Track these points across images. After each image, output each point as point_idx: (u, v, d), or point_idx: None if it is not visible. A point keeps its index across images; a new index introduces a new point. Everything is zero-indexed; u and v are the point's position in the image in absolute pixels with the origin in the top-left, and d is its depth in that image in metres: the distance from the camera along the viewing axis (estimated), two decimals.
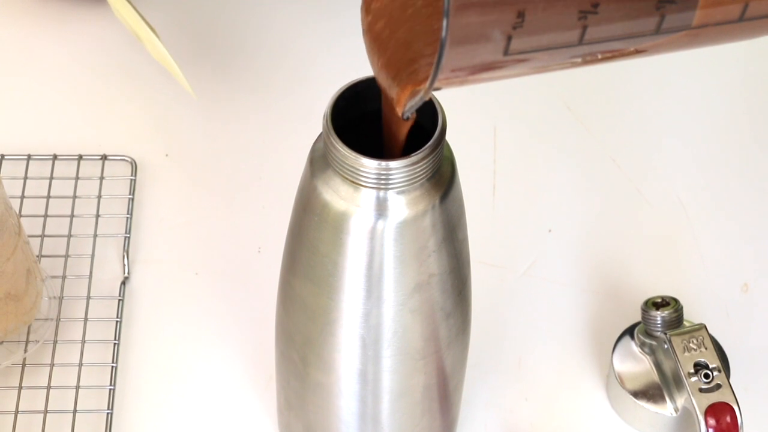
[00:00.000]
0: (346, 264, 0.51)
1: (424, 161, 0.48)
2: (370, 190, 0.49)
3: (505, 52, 0.42)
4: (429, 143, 0.48)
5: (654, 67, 0.84)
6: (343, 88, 0.50)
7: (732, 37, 0.44)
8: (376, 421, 0.58)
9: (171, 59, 0.70)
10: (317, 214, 0.51)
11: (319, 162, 0.50)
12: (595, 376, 0.69)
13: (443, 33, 0.41)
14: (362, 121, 0.50)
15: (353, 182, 0.49)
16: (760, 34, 0.45)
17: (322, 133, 0.50)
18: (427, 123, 0.49)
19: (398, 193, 0.49)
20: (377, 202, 0.49)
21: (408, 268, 0.51)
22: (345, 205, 0.49)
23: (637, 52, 0.44)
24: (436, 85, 0.43)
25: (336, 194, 0.50)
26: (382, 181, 0.48)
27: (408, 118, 0.48)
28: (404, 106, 0.47)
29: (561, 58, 0.43)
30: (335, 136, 0.48)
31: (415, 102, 0.46)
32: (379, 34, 0.48)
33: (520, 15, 0.41)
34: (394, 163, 0.48)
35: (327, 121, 0.49)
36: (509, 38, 0.42)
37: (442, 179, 0.50)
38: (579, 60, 0.44)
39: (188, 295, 0.72)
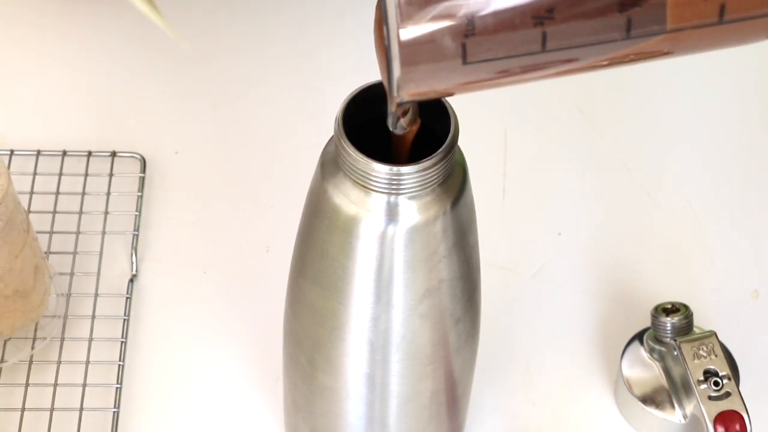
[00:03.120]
0: (356, 268, 0.51)
1: (436, 167, 0.48)
2: (381, 194, 0.49)
3: (465, 61, 0.42)
4: (441, 149, 0.48)
5: (666, 72, 0.84)
6: (355, 92, 0.50)
7: (720, 41, 0.43)
8: (384, 425, 0.58)
9: (155, 8, 0.68)
10: (327, 217, 0.50)
11: (329, 165, 0.50)
12: (604, 381, 0.69)
13: (386, 41, 0.41)
14: (374, 125, 0.50)
15: (364, 186, 0.49)
16: (751, 38, 0.43)
17: (333, 136, 0.50)
18: (439, 128, 0.49)
19: (409, 198, 0.49)
20: (388, 207, 0.49)
21: (418, 274, 0.51)
22: (355, 210, 0.49)
23: (627, 60, 0.43)
24: (404, 94, 0.43)
25: (346, 198, 0.49)
26: (394, 186, 0.48)
27: (396, 129, 0.47)
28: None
29: (532, 66, 0.43)
30: (347, 141, 0.48)
31: (391, 113, 0.46)
32: (380, 44, 0.48)
33: (470, 22, 0.41)
34: (405, 169, 0.48)
35: (339, 125, 0.49)
36: (464, 46, 0.41)
37: (454, 185, 0.50)
38: (557, 69, 0.43)
39: (196, 294, 0.72)
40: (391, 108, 0.46)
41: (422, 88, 0.43)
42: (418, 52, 0.42)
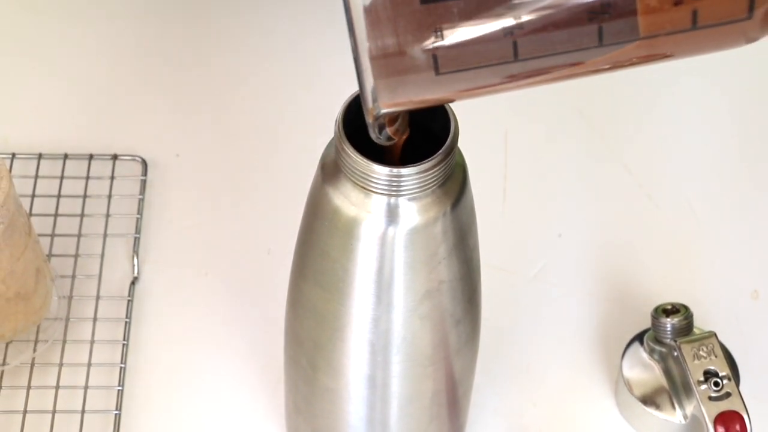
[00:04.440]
0: (356, 270, 0.51)
1: (436, 168, 0.48)
2: (381, 196, 0.49)
3: (437, 72, 0.42)
4: (441, 150, 0.48)
5: (666, 73, 0.84)
6: (355, 94, 0.50)
7: (699, 46, 0.43)
8: (385, 426, 0.58)
9: None
10: (328, 219, 0.50)
11: (330, 167, 0.50)
12: (604, 382, 0.69)
13: (354, 53, 0.41)
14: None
15: (364, 188, 0.49)
16: (729, 43, 0.43)
17: (333, 138, 0.50)
18: (439, 130, 0.49)
19: (409, 199, 0.49)
20: (388, 209, 0.49)
21: (418, 275, 0.51)
22: (356, 211, 0.49)
23: (612, 67, 0.43)
24: (381, 105, 0.43)
25: (347, 200, 0.49)
26: (394, 188, 0.48)
27: (380, 140, 0.47)
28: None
29: (508, 76, 0.42)
30: (347, 143, 0.48)
31: (369, 124, 0.46)
32: None
33: (439, 32, 0.41)
34: (405, 170, 0.48)
35: (339, 127, 0.49)
36: (434, 57, 0.41)
37: (454, 186, 0.50)
38: (534, 78, 0.43)
39: (197, 296, 0.72)
40: (368, 119, 0.45)
41: (398, 99, 0.43)
42: (388, 64, 0.41)
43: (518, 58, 0.41)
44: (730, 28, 0.42)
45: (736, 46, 0.43)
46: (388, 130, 0.47)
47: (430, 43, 0.41)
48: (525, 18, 0.40)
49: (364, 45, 0.41)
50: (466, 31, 0.41)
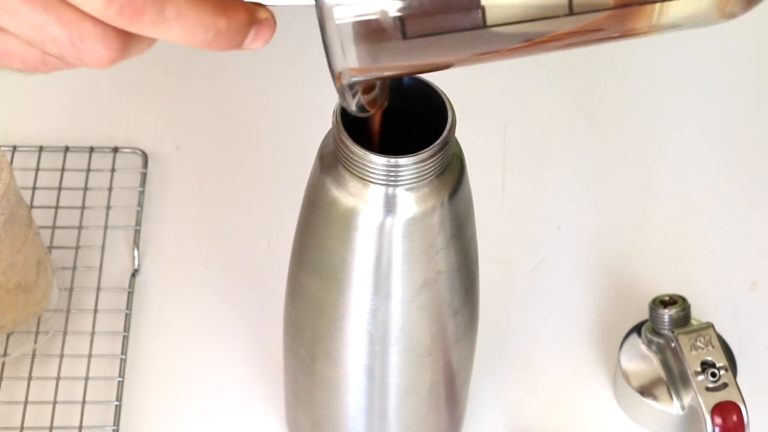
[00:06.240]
0: (354, 260, 0.51)
1: (433, 158, 0.48)
2: (379, 186, 0.49)
3: (404, 36, 0.41)
4: (438, 140, 0.48)
5: (664, 64, 0.84)
6: None
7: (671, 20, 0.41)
8: (383, 416, 0.58)
9: None
10: (326, 209, 0.51)
11: (328, 158, 0.50)
12: (602, 373, 0.69)
13: (318, 16, 0.40)
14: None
15: (362, 178, 0.49)
16: (703, 18, 0.41)
17: (331, 129, 0.50)
18: (437, 120, 0.50)
19: (407, 189, 0.49)
20: (386, 199, 0.49)
21: (416, 265, 0.51)
22: (354, 201, 0.50)
23: (588, 40, 0.42)
24: (348, 72, 0.42)
25: (345, 190, 0.50)
26: (391, 178, 0.48)
27: (353, 110, 0.45)
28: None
29: (478, 45, 0.41)
30: (345, 133, 0.48)
31: (337, 89, 0.44)
32: None
33: None
34: (403, 160, 0.48)
35: (337, 117, 0.49)
36: (401, 20, 0.40)
37: (452, 176, 0.50)
38: (505, 46, 0.41)
39: (197, 288, 0.72)
40: (336, 85, 0.44)
41: (365, 64, 0.42)
42: (354, 28, 0.41)
43: (486, 24, 0.40)
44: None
45: (711, 21, 0.41)
46: (363, 100, 0.45)
47: (396, 5, 0.40)
48: None
49: (329, 9, 0.41)
50: None
